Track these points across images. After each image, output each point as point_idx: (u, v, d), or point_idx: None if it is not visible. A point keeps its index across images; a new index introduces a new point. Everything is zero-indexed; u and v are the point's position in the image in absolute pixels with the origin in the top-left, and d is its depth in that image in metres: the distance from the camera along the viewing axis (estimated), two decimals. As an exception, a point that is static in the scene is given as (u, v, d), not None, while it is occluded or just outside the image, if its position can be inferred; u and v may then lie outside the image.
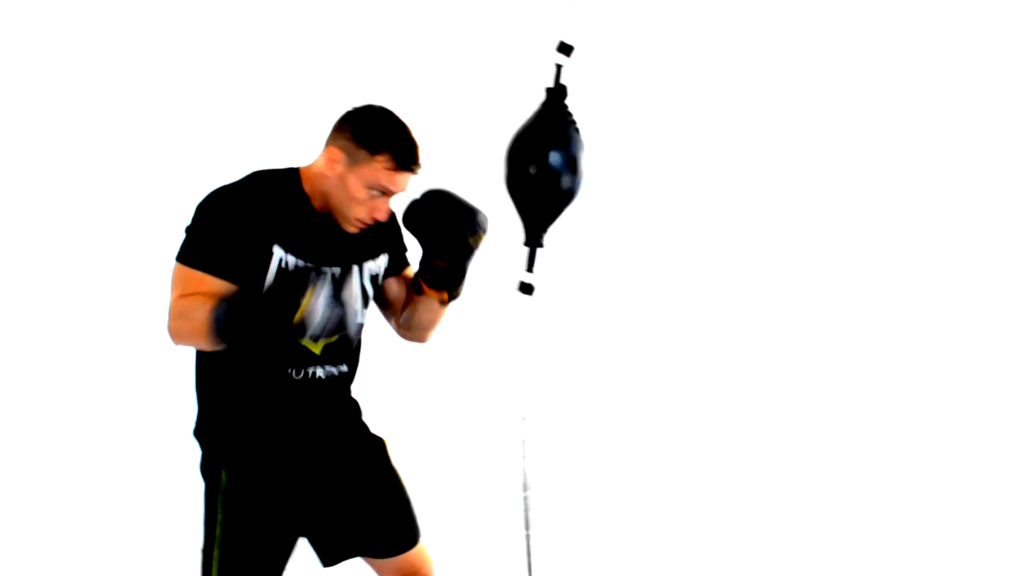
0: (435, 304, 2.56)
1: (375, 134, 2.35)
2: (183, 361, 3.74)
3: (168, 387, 3.75)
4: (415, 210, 2.42)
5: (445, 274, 2.49)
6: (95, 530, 3.91)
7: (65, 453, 3.99)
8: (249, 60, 4.15)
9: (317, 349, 2.45)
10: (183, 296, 2.33)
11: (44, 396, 4.00)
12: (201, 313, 2.28)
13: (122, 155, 4.11)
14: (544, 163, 2.37)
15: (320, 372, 2.47)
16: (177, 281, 2.35)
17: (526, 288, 2.42)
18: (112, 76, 4.08)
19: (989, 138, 4.28)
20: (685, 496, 4.28)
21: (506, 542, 3.78)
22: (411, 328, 2.63)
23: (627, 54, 4.24)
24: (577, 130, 2.40)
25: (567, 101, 2.41)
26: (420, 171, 2.40)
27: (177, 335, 2.34)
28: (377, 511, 2.57)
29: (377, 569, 2.64)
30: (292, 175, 2.44)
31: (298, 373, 2.44)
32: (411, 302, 2.60)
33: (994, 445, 4.22)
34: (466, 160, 3.37)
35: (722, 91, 4.31)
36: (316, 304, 2.23)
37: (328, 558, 2.59)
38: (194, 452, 2.54)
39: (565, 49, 2.45)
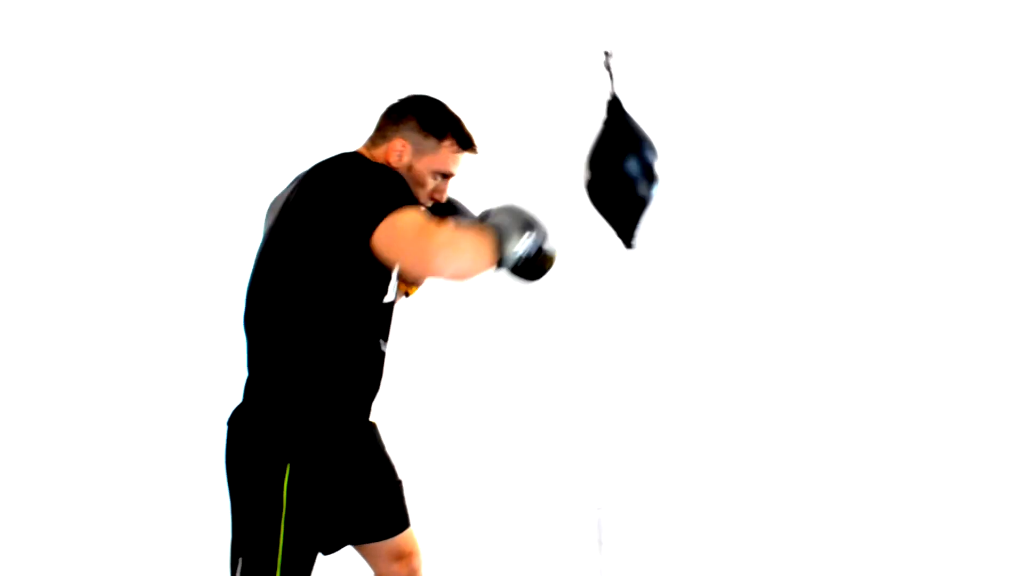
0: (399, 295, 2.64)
1: (439, 122, 2.49)
2: (184, 361, 3.86)
3: (165, 387, 3.90)
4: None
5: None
6: (96, 529, 3.88)
7: (67, 454, 3.93)
8: (251, 61, 4.10)
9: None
10: (455, 230, 2.29)
11: (47, 396, 3.93)
12: (483, 238, 2.30)
13: (122, 155, 4.01)
14: (621, 171, 2.53)
15: (385, 347, 2.52)
16: (417, 222, 2.26)
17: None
18: (112, 76, 4.00)
19: (992, 139, 4.15)
20: (687, 492, 4.24)
21: (503, 538, 4.01)
22: None
23: (641, 59, 4.00)
24: (644, 135, 2.58)
25: (625, 107, 2.57)
26: (479, 151, 2.55)
27: (452, 256, 2.26)
28: (381, 490, 2.56)
29: (369, 553, 2.61)
30: (362, 159, 2.47)
31: (384, 347, 2.50)
32: None
33: (994, 445, 4.11)
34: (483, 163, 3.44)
35: (731, 94, 4.23)
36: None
37: (330, 545, 2.51)
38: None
39: (609, 57, 2.61)
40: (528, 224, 2.35)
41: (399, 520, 2.60)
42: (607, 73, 2.62)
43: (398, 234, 2.25)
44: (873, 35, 4.17)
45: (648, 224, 2.59)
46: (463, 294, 2.81)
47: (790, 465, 4.20)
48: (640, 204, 2.57)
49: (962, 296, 4.16)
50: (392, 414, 2.72)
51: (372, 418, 2.58)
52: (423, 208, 2.38)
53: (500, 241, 2.31)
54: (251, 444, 2.40)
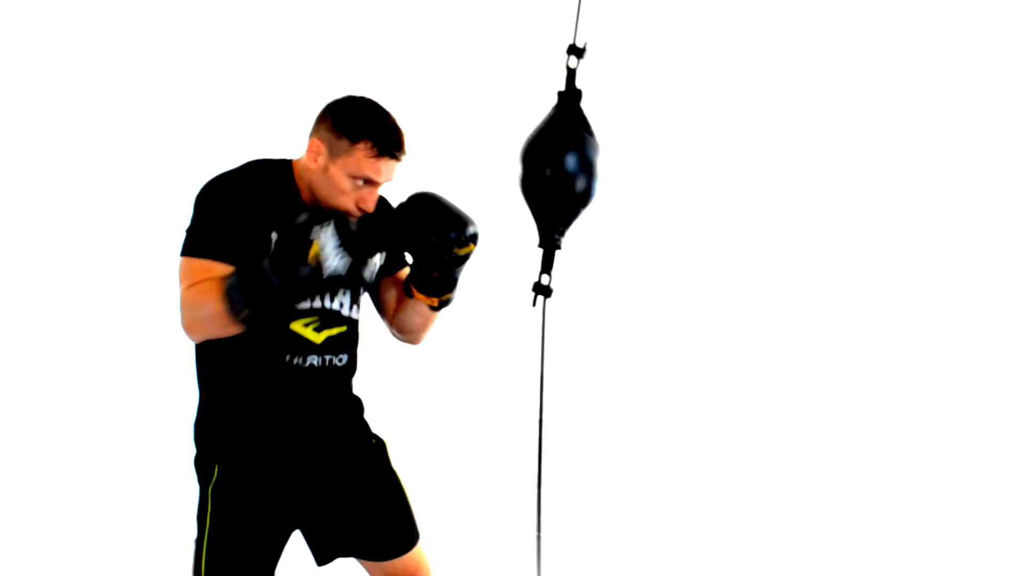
0: (424, 309, 2.51)
1: (354, 122, 2.31)
2: (181, 360, 3.66)
3: (165, 385, 3.82)
4: (400, 215, 2.34)
5: (434, 282, 2.45)
6: (95, 528, 3.88)
7: (67, 452, 3.96)
8: (249, 60, 4.10)
9: (319, 339, 2.41)
10: (191, 286, 2.28)
11: (45, 396, 3.98)
12: (213, 294, 2.25)
13: (122, 155, 4.05)
14: (559, 166, 2.35)
15: (316, 361, 2.42)
16: (184, 275, 2.31)
17: (543, 290, 2.40)
18: (112, 76, 4.03)
19: (989, 138, 4.23)
20: (695, 498, 4.24)
21: (512, 545, 3.80)
22: (403, 331, 2.58)
23: (636, 55, 4.19)
24: (592, 133, 2.39)
25: (581, 104, 2.41)
26: (404, 157, 2.35)
27: (192, 327, 2.29)
28: (374, 512, 2.53)
29: (371, 572, 2.60)
30: (285, 166, 2.41)
31: (299, 362, 2.40)
32: (401, 305, 2.55)
33: (994, 445, 4.18)
34: (474, 162, 3.34)
35: (731, 91, 4.27)
36: (325, 245, 2.22)
37: (322, 556, 2.53)
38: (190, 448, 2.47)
39: (577, 52, 2.44)
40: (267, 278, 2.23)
41: (393, 542, 2.56)
42: (570, 66, 2.43)
43: (179, 276, 2.33)
44: (839, 35, 4.25)
45: (577, 226, 2.38)
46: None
47: (746, 489, 4.22)
48: (576, 203, 2.36)
49: (936, 295, 4.27)
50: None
51: (382, 436, 2.60)
52: (217, 265, 2.29)
53: (237, 290, 2.24)
54: (195, 442, 2.48)
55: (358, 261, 2.24)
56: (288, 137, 3.80)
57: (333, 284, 2.28)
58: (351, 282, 2.36)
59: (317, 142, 2.33)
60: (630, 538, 4.12)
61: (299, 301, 2.30)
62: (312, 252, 2.20)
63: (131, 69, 4.03)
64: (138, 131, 4.05)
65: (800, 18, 4.24)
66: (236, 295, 2.21)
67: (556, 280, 2.58)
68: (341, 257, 2.23)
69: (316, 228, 2.23)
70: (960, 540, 4.00)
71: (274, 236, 2.30)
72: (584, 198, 2.37)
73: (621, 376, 4.33)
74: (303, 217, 2.26)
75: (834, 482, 4.23)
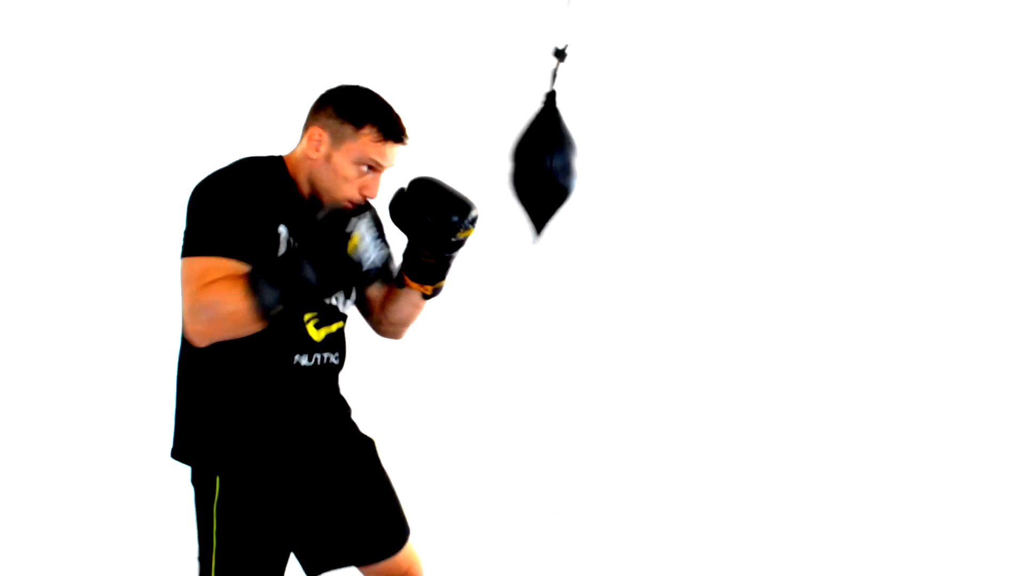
0: (416, 298, 2.50)
1: (358, 107, 2.30)
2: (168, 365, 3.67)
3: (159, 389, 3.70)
4: (402, 200, 2.35)
5: (430, 268, 2.45)
6: (90, 535, 3.88)
7: (64, 457, 3.96)
8: (246, 59, 4.10)
9: (319, 337, 2.37)
10: (205, 287, 2.14)
11: (42, 400, 3.97)
12: (236, 292, 2.13)
13: (119, 155, 4.04)
14: (540, 165, 2.44)
15: (319, 359, 2.38)
16: (193, 276, 2.17)
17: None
18: (111, 76, 4.02)
19: (989, 138, 4.21)
20: (686, 495, 4.26)
21: (502, 542, 3.93)
22: (390, 323, 2.56)
23: (623, 55, 4.22)
24: (568, 133, 2.53)
25: (558, 104, 2.48)
26: (408, 142, 2.34)
27: (206, 328, 2.15)
28: (368, 511, 2.47)
29: (365, 572, 2.54)
30: (278, 162, 2.35)
31: (302, 361, 2.36)
32: (391, 296, 2.53)
33: (994, 445, 4.17)
34: (458, 159, 3.40)
35: (717, 91, 4.27)
36: (365, 236, 2.20)
37: (313, 567, 2.46)
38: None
39: (560, 55, 2.58)
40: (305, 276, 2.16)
41: (386, 542, 2.51)
42: (553, 68, 2.57)
43: (183, 279, 2.18)
44: (823, 31, 4.23)
45: (559, 220, 2.52)
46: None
47: (739, 486, 4.24)
48: (556, 198, 2.51)
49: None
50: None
51: (369, 434, 2.55)
52: (229, 263, 2.17)
53: (262, 301, 2.15)
54: (191, 455, 2.38)
55: (390, 252, 2.22)
56: (260, 136, 3.65)
57: (368, 277, 2.23)
58: (383, 275, 2.34)
59: (318, 131, 2.30)
60: (617, 538, 4.14)
61: (332, 295, 2.25)
62: (351, 245, 2.17)
63: (110, 67, 4.02)
64: (115, 130, 4.04)
65: (783, 16, 4.25)
66: (268, 292, 2.12)
67: (547, 278, 2.65)
68: (379, 249, 2.22)
69: (353, 220, 2.19)
70: (960, 540, 4.02)
71: (281, 231, 2.25)
72: (562, 195, 2.48)
73: (609, 373, 4.37)
74: (325, 212, 2.22)
75: (826, 479, 4.26)
